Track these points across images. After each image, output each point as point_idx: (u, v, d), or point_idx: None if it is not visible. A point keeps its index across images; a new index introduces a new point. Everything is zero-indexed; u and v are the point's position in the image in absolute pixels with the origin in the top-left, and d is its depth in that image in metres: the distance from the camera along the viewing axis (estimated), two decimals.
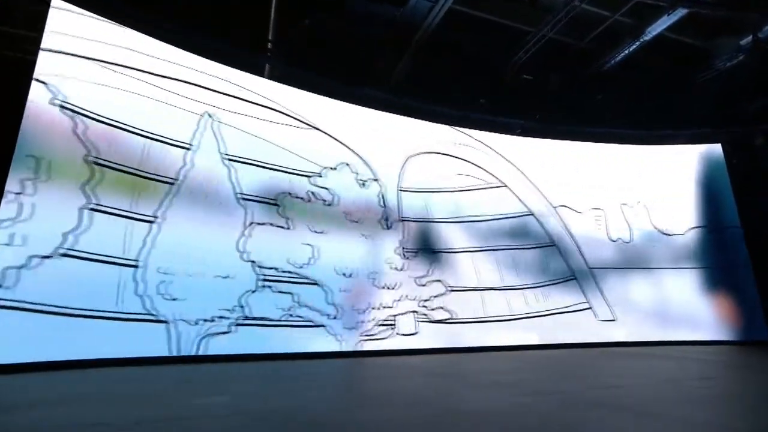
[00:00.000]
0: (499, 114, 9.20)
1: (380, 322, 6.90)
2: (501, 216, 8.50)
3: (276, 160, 6.79)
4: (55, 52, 5.26)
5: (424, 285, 7.43)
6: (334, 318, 6.56)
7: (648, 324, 8.61)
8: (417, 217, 7.84)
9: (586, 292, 8.53)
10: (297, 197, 6.79)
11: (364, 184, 7.46)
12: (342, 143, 7.51)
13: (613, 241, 9.06)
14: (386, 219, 7.52)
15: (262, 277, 6.18)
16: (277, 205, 6.60)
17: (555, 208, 8.89)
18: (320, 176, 7.09)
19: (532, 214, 8.71)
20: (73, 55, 5.39)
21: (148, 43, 6.06)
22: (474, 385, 4.58)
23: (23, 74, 4.99)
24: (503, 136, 9.05)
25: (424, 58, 8.49)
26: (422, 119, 8.57)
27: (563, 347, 7.76)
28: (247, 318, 5.93)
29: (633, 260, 9.03)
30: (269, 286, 6.22)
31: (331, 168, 7.25)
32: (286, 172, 6.84)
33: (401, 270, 7.34)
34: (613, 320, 8.41)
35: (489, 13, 8.29)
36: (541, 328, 7.96)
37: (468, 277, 7.86)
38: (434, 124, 8.51)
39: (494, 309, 7.82)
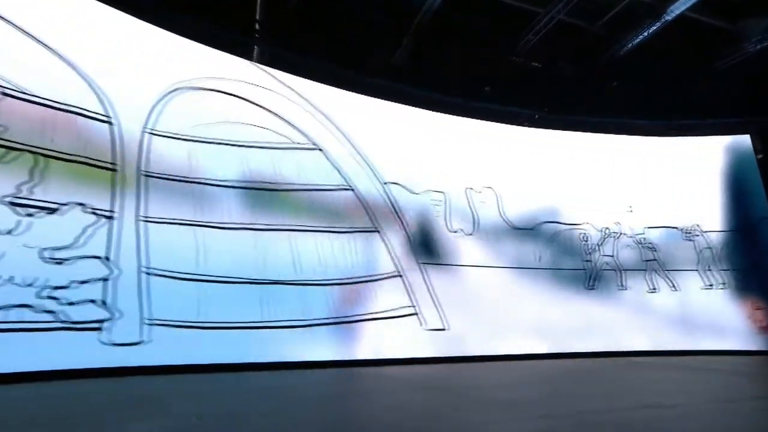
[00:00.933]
0: (505, 103, 8.51)
1: None
2: (310, 186, 6.45)
3: None
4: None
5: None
6: None
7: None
8: (172, 174, 5.50)
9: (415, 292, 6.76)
10: None
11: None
12: None
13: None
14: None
15: None
16: None
17: (384, 184, 7.02)
18: None
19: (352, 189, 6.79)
20: None
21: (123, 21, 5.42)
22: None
23: None
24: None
25: (425, 42, 7.83)
26: (422, 108, 7.89)
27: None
28: None
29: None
30: None
31: None
32: None
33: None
34: (443, 329, 6.63)
35: None
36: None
37: (242, 264, 5.65)
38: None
39: (278, 311, 5.67)
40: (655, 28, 7.75)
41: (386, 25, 7.74)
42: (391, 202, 7.07)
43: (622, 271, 8.20)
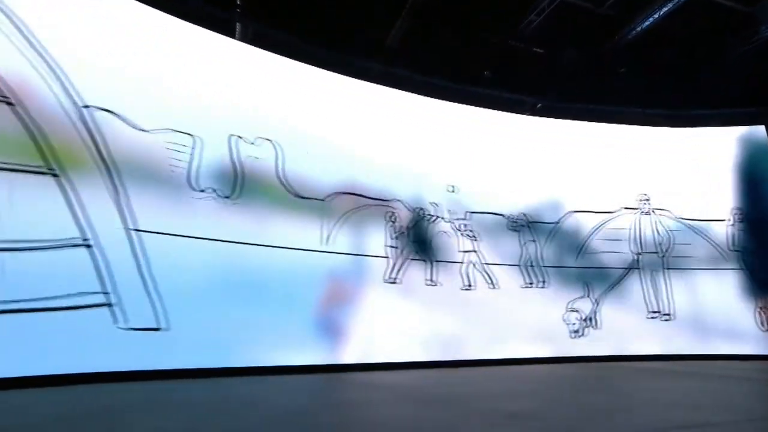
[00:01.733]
0: (506, 89, 8.03)
1: None
2: None
3: None
4: None
5: None
6: None
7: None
8: None
9: None
10: None
11: None
12: None
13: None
14: None
15: None
16: None
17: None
18: None
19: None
20: None
21: None
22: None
23: None
24: None
25: (420, 21, 7.37)
26: (416, 93, 7.52)
27: None
28: None
29: None
30: None
31: None
32: None
33: None
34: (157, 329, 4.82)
35: None
36: None
37: None
38: None
39: None
40: (666, 9, 7.25)
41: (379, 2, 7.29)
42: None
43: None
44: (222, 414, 3.11)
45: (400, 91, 7.46)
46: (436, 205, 7.30)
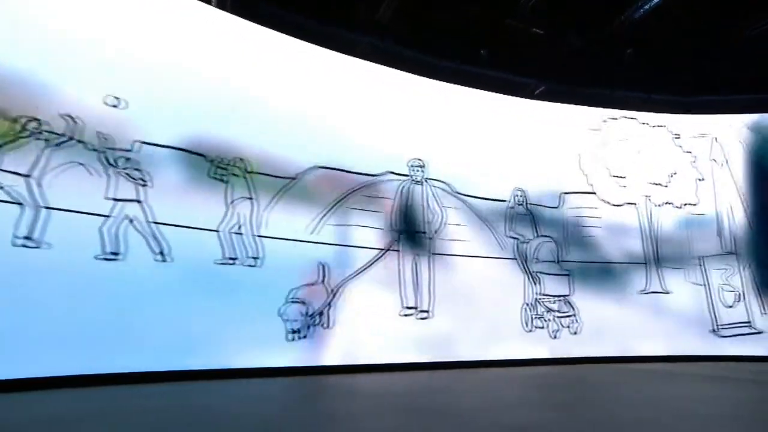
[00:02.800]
0: (504, 70, 7.29)
1: None
2: None
3: None
4: None
5: None
6: None
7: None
8: None
9: None
10: None
11: None
12: None
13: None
14: None
15: None
16: None
17: None
18: None
19: None
20: None
21: None
22: None
23: None
24: None
25: None
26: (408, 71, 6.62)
27: None
28: None
29: None
30: None
31: None
32: None
33: None
34: None
35: None
36: None
37: None
38: None
39: None
40: None
41: None
42: None
43: None
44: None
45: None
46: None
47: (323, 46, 6.25)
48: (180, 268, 4.75)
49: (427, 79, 6.92)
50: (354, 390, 4.44)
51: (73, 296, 4.13)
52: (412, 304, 6.06)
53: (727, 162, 7.98)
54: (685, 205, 7.77)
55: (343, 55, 6.41)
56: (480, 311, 6.37)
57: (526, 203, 7.08)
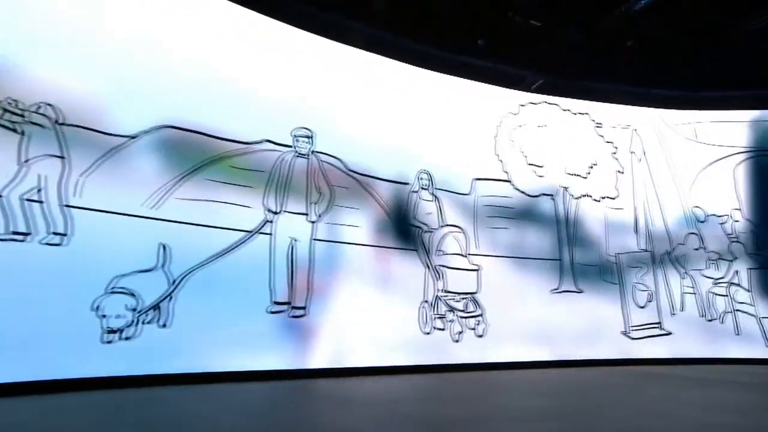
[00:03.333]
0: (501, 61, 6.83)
1: None
2: None
3: None
4: None
5: None
6: None
7: None
8: None
9: None
10: None
11: None
12: None
13: None
14: None
15: None
16: None
17: None
18: None
19: None
20: None
21: None
22: None
23: None
24: None
25: None
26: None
27: None
28: None
29: None
30: None
31: None
32: None
33: None
34: None
35: None
36: None
37: None
38: None
39: None
40: None
41: None
42: None
43: None
44: None
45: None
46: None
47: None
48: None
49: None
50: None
51: None
52: (283, 299, 5.02)
53: (645, 156, 7.59)
54: (604, 198, 7.27)
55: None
56: (368, 309, 5.45)
57: (432, 187, 6.26)
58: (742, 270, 7.40)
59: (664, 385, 5.01)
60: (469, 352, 5.88)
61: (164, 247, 4.46)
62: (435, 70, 6.67)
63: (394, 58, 6.43)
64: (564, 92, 7.46)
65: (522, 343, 6.14)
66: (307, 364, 4.95)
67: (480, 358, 5.89)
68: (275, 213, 5.17)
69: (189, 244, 4.61)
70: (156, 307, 4.33)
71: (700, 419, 3.27)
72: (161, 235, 4.48)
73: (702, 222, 7.46)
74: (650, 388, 4.75)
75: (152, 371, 4.14)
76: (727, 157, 7.80)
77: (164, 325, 4.34)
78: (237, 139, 5.12)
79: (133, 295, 4.23)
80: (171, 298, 4.42)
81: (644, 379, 5.32)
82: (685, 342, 6.85)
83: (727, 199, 7.65)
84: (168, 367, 4.24)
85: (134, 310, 4.20)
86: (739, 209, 7.63)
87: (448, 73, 6.75)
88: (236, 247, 4.85)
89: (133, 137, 4.50)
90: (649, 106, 7.80)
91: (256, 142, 5.26)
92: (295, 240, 5.21)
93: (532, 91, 7.35)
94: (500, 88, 7.15)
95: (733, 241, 7.46)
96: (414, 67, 6.57)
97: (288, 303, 5.04)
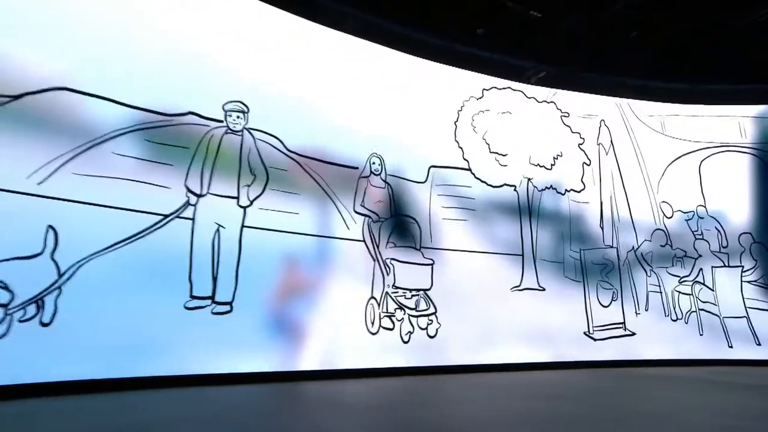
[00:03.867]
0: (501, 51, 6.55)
1: None
2: None
3: None
4: None
5: None
6: None
7: None
8: None
9: None
10: None
11: None
12: None
13: None
14: None
15: None
16: None
17: None
18: None
19: None
20: None
21: None
22: None
23: None
24: None
25: None
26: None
27: None
28: None
29: None
30: None
31: None
32: None
33: None
34: None
35: None
36: None
37: None
38: None
39: None
40: None
41: None
42: None
43: None
44: None
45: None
46: None
47: None
48: None
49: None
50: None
51: None
52: (204, 294, 4.36)
53: (613, 147, 7.25)
54: (569, 191, 6.88)
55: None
56: (306, 307, 4.84)
57: (384, 173, 5.70)
58: (707, 268, 7.14)
59: (623, 383, 4.61)
60: (419, 354, 5.35)
61: (53, 231, 3.74)
62: (428, 59, 6.27)
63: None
64: (565, 84, 7.15)
65: (477, 345, 5.65)
66: (234, 369, 4.31)
67: (431, 361, 5.37)
68: (198, 196, 4.50)
69: (87, 228, 3.90)
70: (37, 301, 3.60)
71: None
72: (51, 216, 3.75)
73: (669, 218, 7.17)
74: (616, 388, 4.33)
75: (21, 380, 3.42)
76: (693, 152, 7.54)
77: (46, 323, 3.62)
78: (155, 110, 4.42)
79: (6, 287, 3.50)
80: (59, 292, 3.70)
81: (608, 381, 4.91)
82: (648, 342, 6.52)
83: (694, 195, 7.38)
84: (45, 374, 3.52)
85: (4, 305, 3.47)
86: (704, 206, 7.38)
87: (446, 63, 6.45)
88: (147, 232, 4.16)
89: (15, 97, 3.76)
90: (652, 100, 7.54)
91: (179, 114, 4.58)
92: (221, 226, 4.55)
93: (531, 83, 7.03)
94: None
95: (698, 239, 7.20)
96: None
97: (210, 298, 4.38)
